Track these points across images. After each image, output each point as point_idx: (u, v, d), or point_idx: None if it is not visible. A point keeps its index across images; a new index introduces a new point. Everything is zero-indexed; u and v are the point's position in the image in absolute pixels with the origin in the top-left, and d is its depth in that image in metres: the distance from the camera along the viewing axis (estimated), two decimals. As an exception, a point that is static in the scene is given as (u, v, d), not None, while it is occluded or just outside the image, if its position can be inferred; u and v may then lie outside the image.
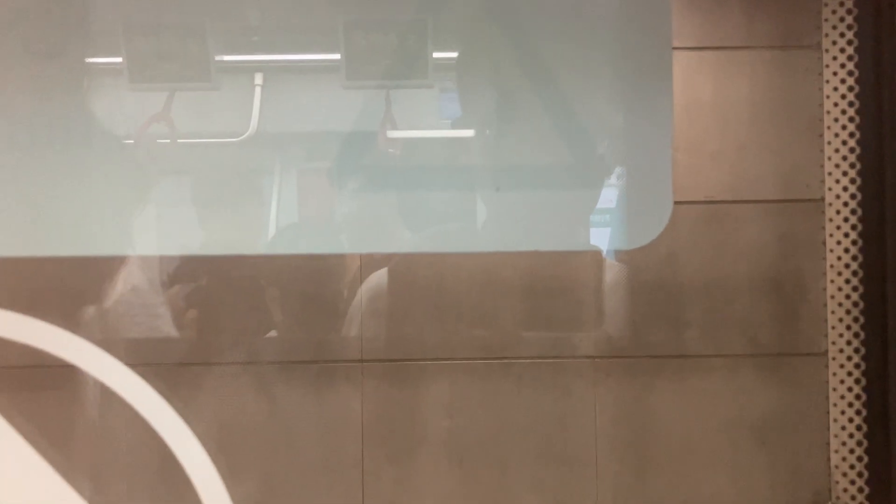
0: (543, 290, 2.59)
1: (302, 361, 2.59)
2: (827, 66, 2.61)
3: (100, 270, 2.55)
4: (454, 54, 2.62)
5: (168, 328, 2.61)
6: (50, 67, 2.57)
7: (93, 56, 2.62)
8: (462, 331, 2.59)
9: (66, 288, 2.50)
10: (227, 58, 2.64)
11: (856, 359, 2.58)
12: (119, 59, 2.54)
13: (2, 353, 2.42)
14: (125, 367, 2.47)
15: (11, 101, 2.51)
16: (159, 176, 2.63)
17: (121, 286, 2.60)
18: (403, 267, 2.60)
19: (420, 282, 2.57)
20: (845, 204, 2.60)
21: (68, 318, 2.47)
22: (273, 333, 2.62)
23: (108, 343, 2.48)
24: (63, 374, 2.43)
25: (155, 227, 2.65)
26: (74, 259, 2.57)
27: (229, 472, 2.50)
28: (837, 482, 2.58)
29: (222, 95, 2.63)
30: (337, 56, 2.56)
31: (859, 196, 2.58)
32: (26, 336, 2.43)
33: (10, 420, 2.36)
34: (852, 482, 2.57)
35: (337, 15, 2.57)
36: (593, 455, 2.59)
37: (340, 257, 2.63)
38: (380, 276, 2.63)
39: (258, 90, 2.64)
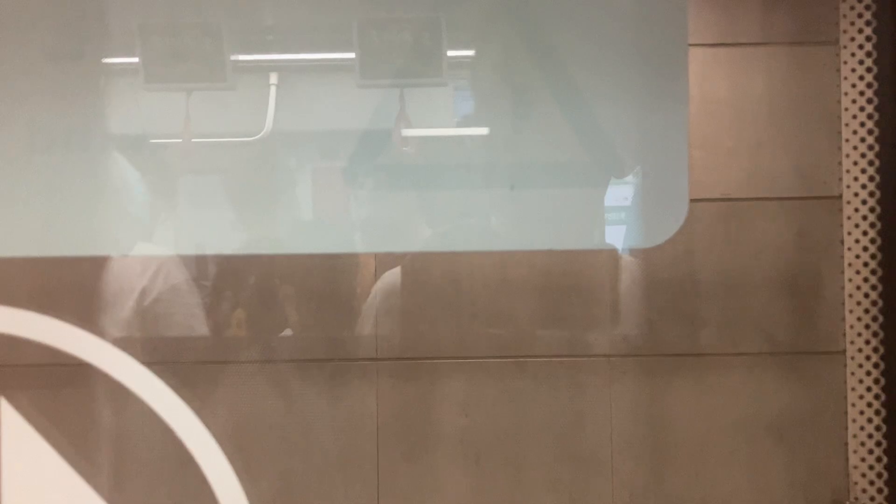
0: (559, 288, 2.58)
1: (317, 360, 2.60)
2: (845, 62, 2.59)
3: (116, 270, 2.57)
4: (469, 52, 2.61)
5: (202, 327, 2.63)
6: (68, 69, 2.59)
7: (110, 57, 2.63)
8: (477, 329, 2.59)
9: (81, 287, 2.52)
10: (242, 57, 2.65)
11: (874, 358, 2.55)
12: (135, 60, 2.55)
13: (20, 351, 2.44)
14: (142, 365, 2.49)
15: (30, 103, 2.53)
16: (175, 176, 2.64)
17: (160, 284, 2.62)
18: (418, 265, 2.60)
19: (434, 280, 2.57)
20: (864, 202, 2.57)
21: (85, 318, 2.49)
22: (288, 332, 2.63)
23: (126, 342, 2.50)
24: (80, 373, 2.45)
25: (171, 226, 2.67)
26: (93, 259, 2.59)
27: (245, 470, 2.52)
28: (856, 482, 2.56)
29: (238, 95, 2.64)
30: (351, 55, 2.56)
31: (878, 193, 2.56)
32: (44, 335, 2.46)
33: (28, 418, 2.38)
34: (871, 482, 2.55)
35: (351, 14, 2.57)
36: (609, 454, 2.59)
37: (355, 256, 2.63)
38: (394, 275, 2.63)
39: (273, 89, 2.64)
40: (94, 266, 2.54)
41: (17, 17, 2.51)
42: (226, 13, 2.63)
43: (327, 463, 2.59)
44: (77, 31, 2.57)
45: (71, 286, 2.52)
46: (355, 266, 2.63)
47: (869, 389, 2.55)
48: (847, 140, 2.58)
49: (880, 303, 2.55)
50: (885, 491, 2.53)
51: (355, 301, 2.62)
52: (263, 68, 2.73)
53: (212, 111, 2.68)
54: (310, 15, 2.68)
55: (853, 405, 2.56)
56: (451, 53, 2.56)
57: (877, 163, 2.56)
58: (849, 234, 2.58)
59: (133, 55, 2.59)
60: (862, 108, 2.57)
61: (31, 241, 2.61)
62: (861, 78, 2.57)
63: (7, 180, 2.59)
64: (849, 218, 2.58)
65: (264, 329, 2.63)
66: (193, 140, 2.63)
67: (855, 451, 2.56)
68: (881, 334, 2.54)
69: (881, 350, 2.55)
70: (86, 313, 2.48)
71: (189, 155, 2.67)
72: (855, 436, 2.56)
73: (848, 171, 2.58)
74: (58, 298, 2.48)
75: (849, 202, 2.58)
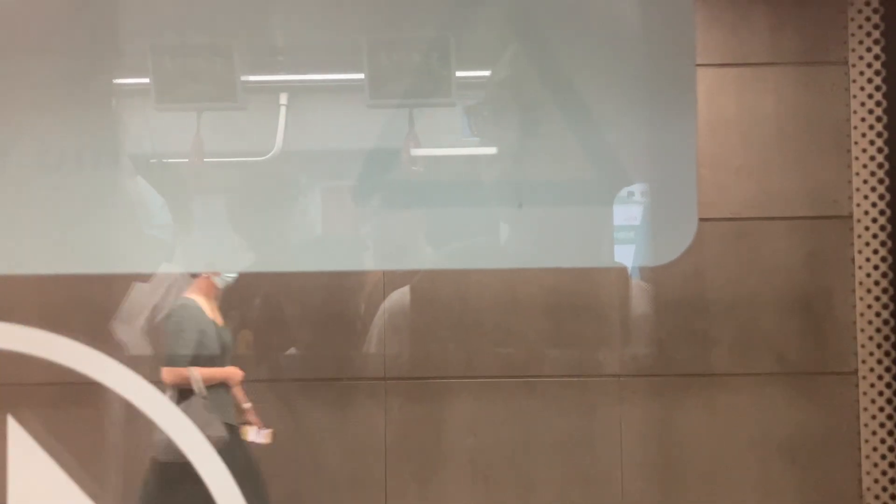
0: (568, 307, 2.58)
1: (325, 379, 2.59)
2: (854, 81, 2.59)
3: (127, 287, 2.58)
4: (477, 72, 2.62)
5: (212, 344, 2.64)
6: (79, 89, 2.61)
7: (121, 77, 2.65)
8: (485, 348, 2.58)
9: (91, 304, 2.53)
10: (252, 78, 2.66)
11: (887, 377, 2.53)
12: (146, 80, 2.57)
13: (29, 370, 2.44)
14: (150, 384, 2.48)
15: (41, 122, 2.54)
16: (186, 195, 2.65)
17: (171, 300, 2.63)
18: (426, 284, 2.60)
19: (443, 299, 2.57)
20: (874, 220, 2.56)
21: (96, 335, 2.49)
22: (292, 350, 2.63)
23: (136, 360, 2.50)
24: (89, 392, 2.45)
25: (182, 245, 2.68)
26: (103, 276, 2.60)
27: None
28: (870, 504, 2.53)
29: (248, 115, 2.65)
30: (361, 75, 2.57)
31: (888, 212, 2.55)
32: (53, 353, 2.45)
33: (36, 436, 2.38)
34: (885, 504, 2.52)
35: (361, 34, 2.58)
36: (619, 474, 2.57)
37: (363, 274, 2.64)
38: (402, 294, 2.63)
39: (283, 110, 2.66)
40: (105, 284, 2.55)
41: (28, 37, 2.53)
42: (237, 34, 2.65)
43: (335, 482, 2.58)
44: (88, 51, 2.58)
45: (81, 304, 2.52)
46: (364, 284, 2.64)
47: (882, 409, 2.53)
48: (857, 158, 2.57)
49: (892, 322, 2.53)
50: (899, 513, 2.51)
51: (364, 319, 2.62)
52: (274, 89, 2.74)
53: (222, 131, 2.70)
54: (319, 36, 2.70)
55: (865, 425, 2.54)
56: (459, 74, 2.57)
57: (887, 181, 2.55)
58: (860, 252, 2.57)
59: (144, 75, 2.60)
60: (871, 127, 2.56)
61: (40, 259, 2.62)
62: (870, 96, 2.57)
63: (17, 198, 2.60)
64: (859, 237, 2.57)
65: (273, 347, 2.63)
66: (204, 160, 2.64)
67: (868, 473, 2.53)
68: (893, 353, 2.52)
69: (893, 369, 2.52)
70: (96, 331, 2.49)
71: (199, 174, 2.68)
72: (868, 456, 2.53)
73: (858, 190, 2.57)
74: (67, 316, 2.49)
75: (859, 221, 2.57)
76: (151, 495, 2.52)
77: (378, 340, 2.61)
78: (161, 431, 2.43)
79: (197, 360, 2.50)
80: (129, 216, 2.66)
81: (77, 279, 2.55)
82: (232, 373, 2.54)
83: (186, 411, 2.41)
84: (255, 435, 2.49)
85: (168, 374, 2.52)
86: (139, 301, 2.64)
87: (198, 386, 2.48)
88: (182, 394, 2.52)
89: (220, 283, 2.59)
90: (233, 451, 2.50)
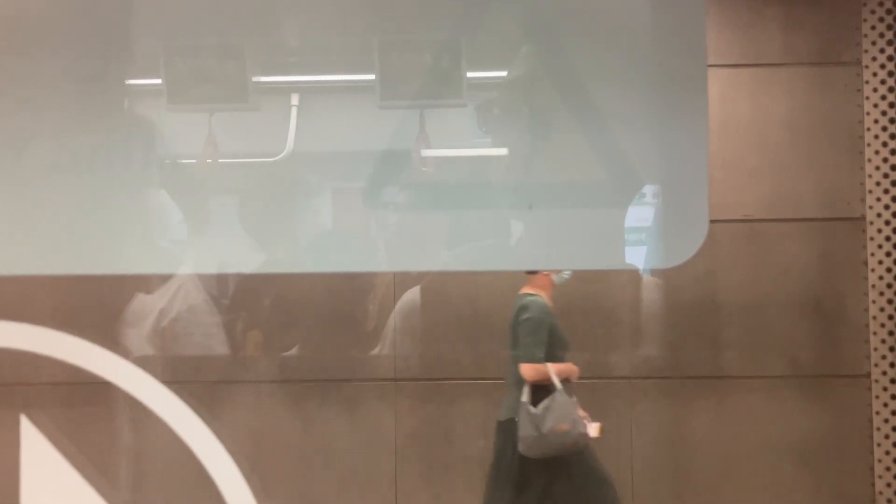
0: (578, 309, 2.57)
1: (336, 380, 2.59)
2: (867, 82, 2.58)
3: (137, 288, 2.58)
4: (489, 73, 2.61)
5: (220, 346, 2.63)
6: (91, 89, 2.62)
7: (133, 78, 2.66)
8: (496, 350, 2.58)
9: (103, 305, 2.54)
10: (264, 79, 2.67)
11: (900, 381, 2.52)
12: (159, 81, 2.58)
13: (41, 369, 2.45)
14: (160, 384, 2.48)
15: (54, 123, 2.55)
16: (197, 196, 2.66)
17: (179, 304, 2.63)
18: (437, 285, 2.60)
19: (453, 300, 2.57)
20: (887, 223, 2.55)
21: (107, 336, 2.50)
22: (294, 351, 2.63)
23: (146, 360, 2.51)
24: (100, 392, 2.46)
25: (193, 246, 2.68)
26: (114, 277, 2.61)
27: (263, 489, 2.51)
28: (882, 508, 2.52)
29: (259, 116, 2.65)
30: (372, 76, 2.56)
31: (901, 214, 2.54)
32: (65, 353, 2.46)
33: (48, 436, 2.39)
34: (898, 508, 2.51)
35: (372, 35, 2.58)
36: (630, 477, 2.56)
37: (374, 275, 2.64)
38: (413, 295, 2.63)
39: (294, 110, 2.66)
40: (116, 285, 2.56)
41: (41, 38, 2.54)
42: (248, 35, 2.65)
43: (346, 484, 2.58)
44: (101, 52, 2.59)
45: (92, 304, 2.53)
46: (374, 285, 2.64)
47: (894, 413, 2.51)
48: (870, 160, 2.56)
49: (905, 325, 2.52)
50: (912, 516, 2.49)
51: (374, 321, 2.62)
52: (285, 89, 2.74)
53: (234, 132, 2.70)
54: (331, 37, 2.70)
55: (878, 429, 2.52)
56: (470, 75, 2.56)
57: (900, 183, 2.54)
58: (872, 255, 2.56)
59: (156, 76, 2.61)
60: (885, 128, 2.55)
61: (52, 260, 2.63)
62: (883, 98, 2.56)
63: (31, 199, 2.61)
64: (872, 239, 2.56)
65: (283, 348, 2.63)
66: (215, 160, 2.64)
67: (880, 477, 2.52)
68: (906, 356, 2.51)
69: (906, 373, 2.51)
70: (107, 331, 2.50)
71: (211, 175, 2.68)
72: (880, 460, 2.52)
73: (871, 192, 2.56)
74: (79, 316, 2.50)
75: (872, 223, 2.56)
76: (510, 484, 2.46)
77: (389, 342, 2.61)
78: (524, 428, 2.40)
79: (549, 356, 2.44)
80: (143, 217, 2.66)
81: (89, 280, 2.56)
82: (573, 368, 2.50)
83: (552, 409, 2.39)
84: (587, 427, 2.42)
85: (529, 370, 2.46)
86: (149, 302, 2.64)
87: (557, 381, 2.44)
88: (537, 391, 2.45)
89: (557, 279, 2.55)
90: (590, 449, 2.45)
